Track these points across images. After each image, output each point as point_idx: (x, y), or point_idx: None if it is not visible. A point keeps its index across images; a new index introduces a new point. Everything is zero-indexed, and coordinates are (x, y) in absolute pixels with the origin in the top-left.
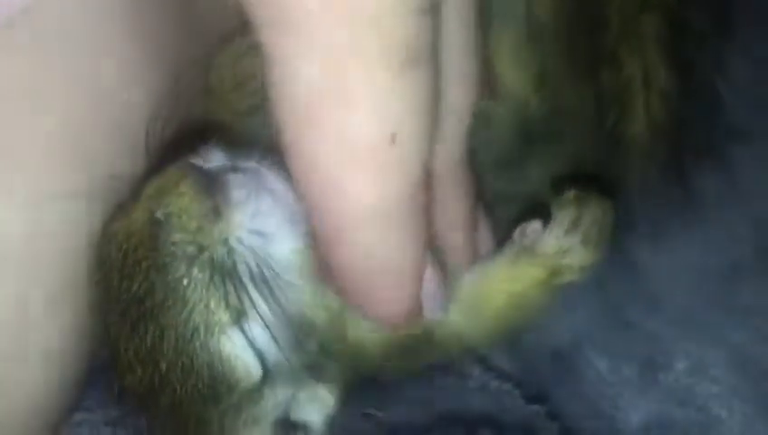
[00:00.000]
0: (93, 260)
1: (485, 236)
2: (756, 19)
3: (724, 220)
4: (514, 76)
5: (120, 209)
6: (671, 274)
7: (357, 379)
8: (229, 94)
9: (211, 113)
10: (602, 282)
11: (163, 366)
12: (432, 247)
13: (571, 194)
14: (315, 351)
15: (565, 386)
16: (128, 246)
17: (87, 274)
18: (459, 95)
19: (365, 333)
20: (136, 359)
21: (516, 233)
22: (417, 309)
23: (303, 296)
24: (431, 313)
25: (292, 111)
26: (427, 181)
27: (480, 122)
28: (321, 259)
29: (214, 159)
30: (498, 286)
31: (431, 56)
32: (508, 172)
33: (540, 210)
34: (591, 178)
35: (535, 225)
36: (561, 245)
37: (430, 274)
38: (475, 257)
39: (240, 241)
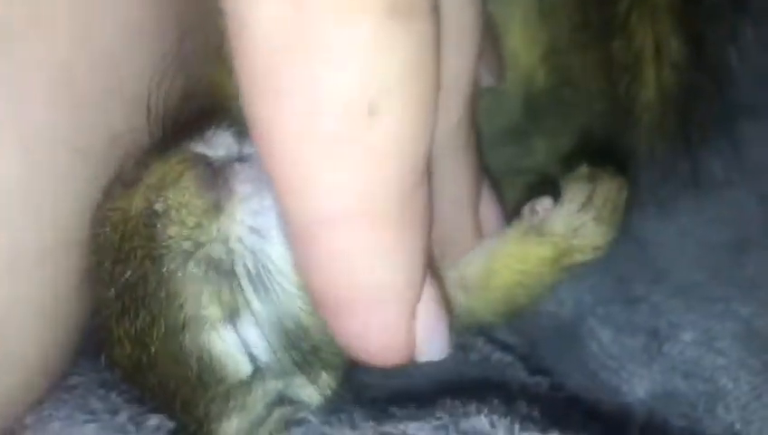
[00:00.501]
0: (89, 232)
1: (493, 212)
2: None
3: (731, 195)
4: (524, 50)
5: (117, 186)
6: (677, 248)
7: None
8: None
9: (220, 86)
10: (607, 255)
11: (152, 349)
12: (431, 264)
13: (584, 169)
14: (308, 351)
15: (568, 358)
16: (123, 232)
17: (82, 239)
18: (458, 58)
19: None
20: (126, 337)
21: (525, 210)
22: (409, 345)
23: (298, 299)
24: (426, 353)
25: (248, 69)
26: (426, 173)
27: (485, 95)
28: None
29: (220, 145)
30: (505, 265)
31: (430, 6)
32: (514, 146)
33: (550, 186)
34: (604, 154)
35: (545, 202)
36: (572, 223)
37: (429, 299)
38: (481, 236)
39: (239, 240)
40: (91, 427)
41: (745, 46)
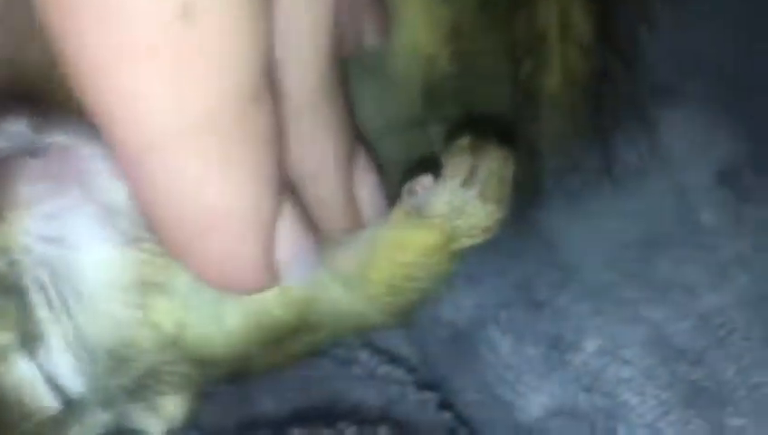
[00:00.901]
0: None
1: (375, 198)
2: None
3: (646, 187)
4: (425, 33)
5: None
6: (585, 245)
7: (212, 382)
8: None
9: (17, 61)
10: (509, 255)
11: None
12: (288, 185)
13: (465, 140)
14: (141, 374)
15: (462, 370)
16: None
17: None
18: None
19: (216, 332)
20: None
21: (404, 191)
22: (271, 269)
23: (120, 314)
24: (292, 277)
25: None
26: (267, 89)
27: (375, 85)
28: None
29: (8, 135)
30: (385, 255)
31: None
32: (407, 136)
33: (430, 164)
34: (488, 124)
35: (425, 180)
36: (454, 201)
37: (289, 219)
38: (359, 219)
39: (28, 251)
40: None
41: (662, 26)
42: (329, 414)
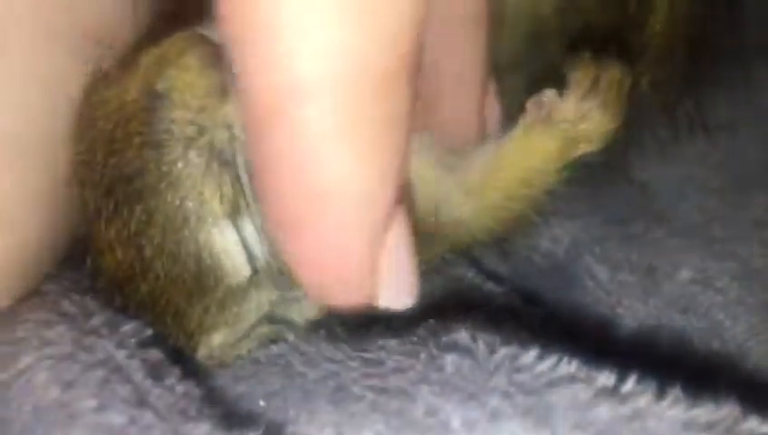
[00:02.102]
0: (76, 128)
1: (495, 110)
2: None
3: (737, 138)
4: None
5: (107, 76)
6: (677, 189)
7: None
8: None
9: None
10: (606, 196)
11: (147, 252)
12: (407, 197)
13: (587, 55)
14: None
15: (562, 293)
16: (119, 119)
17: (65, 140)
18: None
19: None
20: (117, 241)
21: (530, 104)
22: (368, 281)
23: None
24: (387, 298)
25: None
26: (413, 73)
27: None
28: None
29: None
30: (510, 162)
31: None
32: (518, 71)
33: (553, 78)
34: (607, 41)
35: (550, 94)
36: (579, 108)
37: (400, 232)
38: (484, 130)
39: (244, 129)
40: (61, 328)
41: None
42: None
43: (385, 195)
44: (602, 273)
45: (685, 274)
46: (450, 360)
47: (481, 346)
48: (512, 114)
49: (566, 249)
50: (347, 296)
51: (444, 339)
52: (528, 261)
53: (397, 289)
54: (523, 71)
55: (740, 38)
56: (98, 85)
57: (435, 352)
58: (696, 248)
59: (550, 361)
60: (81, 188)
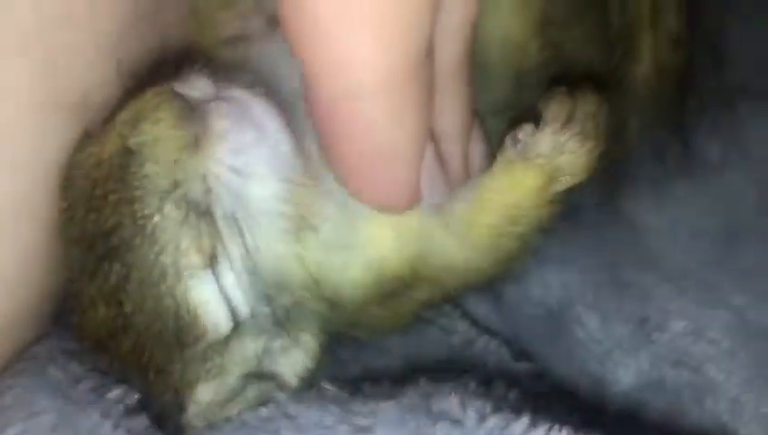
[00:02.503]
0: (59, 186)
1: (480, 151)
2: None
3: (727, 179)
4: (517, 22)
5: (90, 136)
6: (670, 233)
7: (334, 333)
8: (216, 14)
9: (196, 39)
10: (597, 238)
11: (127, 308)
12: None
13: (561, 89)
14: (288, 306)
15: (554, 345)
16: (97, 176)
17: (50, 196)
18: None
19: (344, 278)
20: (99, 297)
21: (507, 140)
22: (417, 194)
23: (278, 245)
24: (431, 198)
25: None
26: (430, 54)
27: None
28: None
29: (197, 86)
30: (491, 199)
31: None
32: (502, 115)
33: (532, 115)
34: (583, 78)
35: (527, 128)
36: (557, 141)
37: (431, 157)
38: (469, 172)
39: (218, 179)
40: (47, 397)
41: (746, 23)
42: (436, 371)
43: (421, 140)
44: (593, 322)
45: (676, 325)
46: (439, 428)
47: (470, 415)
48: (496, 155)
49: (558, 298)
50: (399, 204)
51: (434, 408)
52: (520, 311)
53: (433, 192)
54: (506, 114)
55: (724, 80)
56: (81, 143)
57: (424, 420)
58: (689, 295)
59: (541, 429)
60: (66, 246)
